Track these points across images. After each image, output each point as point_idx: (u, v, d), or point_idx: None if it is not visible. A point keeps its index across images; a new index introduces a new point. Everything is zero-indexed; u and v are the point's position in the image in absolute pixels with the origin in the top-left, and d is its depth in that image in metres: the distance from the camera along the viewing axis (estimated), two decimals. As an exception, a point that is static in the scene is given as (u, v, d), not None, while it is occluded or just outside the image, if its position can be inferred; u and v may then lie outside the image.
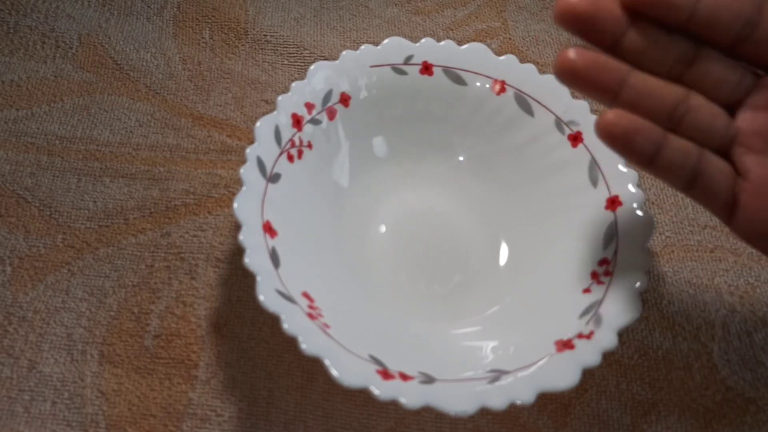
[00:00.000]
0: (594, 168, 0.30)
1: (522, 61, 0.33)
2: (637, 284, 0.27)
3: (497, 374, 0.26)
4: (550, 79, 0.32)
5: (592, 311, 0.27)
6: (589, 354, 0.25)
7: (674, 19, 0.22)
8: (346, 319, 0.27)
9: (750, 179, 0.22)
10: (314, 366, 0.29)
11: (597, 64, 0.22)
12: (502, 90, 0.33)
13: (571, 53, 0.22)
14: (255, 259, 0.26)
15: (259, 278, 0.25)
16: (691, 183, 0.23)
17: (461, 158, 0.34)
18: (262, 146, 0.29)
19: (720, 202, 0.23)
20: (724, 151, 0.23)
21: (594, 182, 0.30)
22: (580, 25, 0.22)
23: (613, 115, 0.22)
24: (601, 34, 0.22)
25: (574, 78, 0.23)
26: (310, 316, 0.26)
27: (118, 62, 0.38)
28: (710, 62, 0.23)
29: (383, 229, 0.32)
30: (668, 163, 0.22)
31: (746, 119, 0.23)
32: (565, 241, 0.30)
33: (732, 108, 0.23)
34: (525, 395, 0.24)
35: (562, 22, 0.22)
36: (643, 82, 0.23)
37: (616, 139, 0.22)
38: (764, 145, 0.22)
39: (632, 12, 0.23)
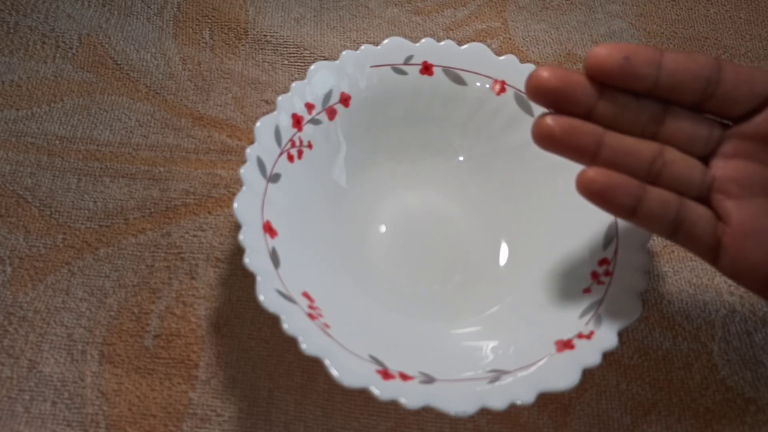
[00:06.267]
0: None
1: (522, 61, 0.33)
2: (637, 284, 0.27)
3: (497, 374, 0.26)
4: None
5: (592, 311, 0.27)
6: (589, 354, 0.25)
7: (640, 88, 0.23)
8: (346, 319, 0.27)
9: (731, 223, 0.23)
10: (314, 366, 0.29)
11: (573, 128, 0.23)
12: (502, 90, 0.33)
13: (549, 120, 0.23)
14: (255, 259, 0.26)
15: (259, 278, 0.25)
16: (674, 230, 0.24)
17: (461, 158, 0.34)
18: (262, 146, 0.29)
19: (704, 246, 0.24)
20: (704, 199, 0.24)
21: None
22: (552, 100, 0.23)
23: (592, 172, 0.23)
24: (573, 106, 0.23)
25: (552, 143, 0.23)
26: (310, 316, 0.26)
27: (118, 62, 0.38)
28: (680, 120, 0.24)
29: (383, 229, 0.32)
30: (649, 214, 0.23)
31: (720, 167, 0.24)
32: (565, 241, 0.30)
33: (706, 158, 0.24)
34: (525, 395, 0.24)
35: (535, 98, 0.23)
36: (619, 141, 0.24)
37: (595, 194, 0.23)
38: (740, 190, 0.24)
39: (600, 83, 0.23)
